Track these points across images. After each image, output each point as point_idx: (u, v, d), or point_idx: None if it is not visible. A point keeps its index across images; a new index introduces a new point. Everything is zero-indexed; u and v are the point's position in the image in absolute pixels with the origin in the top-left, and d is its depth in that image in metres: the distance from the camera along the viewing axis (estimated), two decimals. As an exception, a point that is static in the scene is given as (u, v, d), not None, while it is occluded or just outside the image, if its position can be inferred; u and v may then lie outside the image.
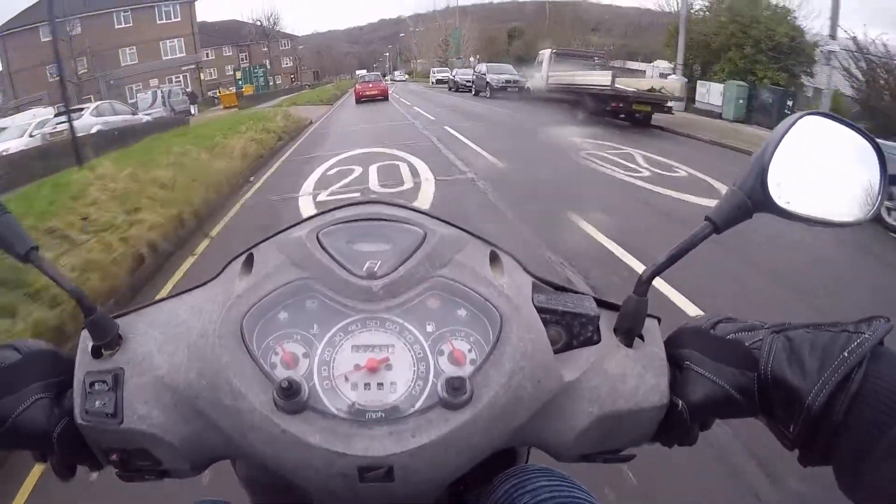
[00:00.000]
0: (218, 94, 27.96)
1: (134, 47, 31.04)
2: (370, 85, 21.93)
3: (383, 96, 20.62)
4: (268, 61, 44.36)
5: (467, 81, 20.27)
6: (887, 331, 0.33)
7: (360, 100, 20.58)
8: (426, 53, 54.80)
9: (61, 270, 0.33)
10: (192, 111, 21.24)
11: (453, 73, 23.16)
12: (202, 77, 35.18)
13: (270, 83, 45.61)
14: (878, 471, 0.31)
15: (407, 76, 46.90)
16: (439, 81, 29.95)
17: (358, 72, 56.09)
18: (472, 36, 47.20)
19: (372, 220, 0.42)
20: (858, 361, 0.32)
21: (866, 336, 0.33)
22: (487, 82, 17.32)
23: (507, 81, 16.94)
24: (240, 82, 36.01)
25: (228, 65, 41.42)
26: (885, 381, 0.32)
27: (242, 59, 45.64)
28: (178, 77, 31.74)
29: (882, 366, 0.32)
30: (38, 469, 1.82)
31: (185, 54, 32.85)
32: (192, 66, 33.38)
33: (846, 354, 0.33)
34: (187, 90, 24.51)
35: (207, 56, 38.15)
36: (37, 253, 0.37)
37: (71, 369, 0.39)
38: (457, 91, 21.39)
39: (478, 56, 36.87)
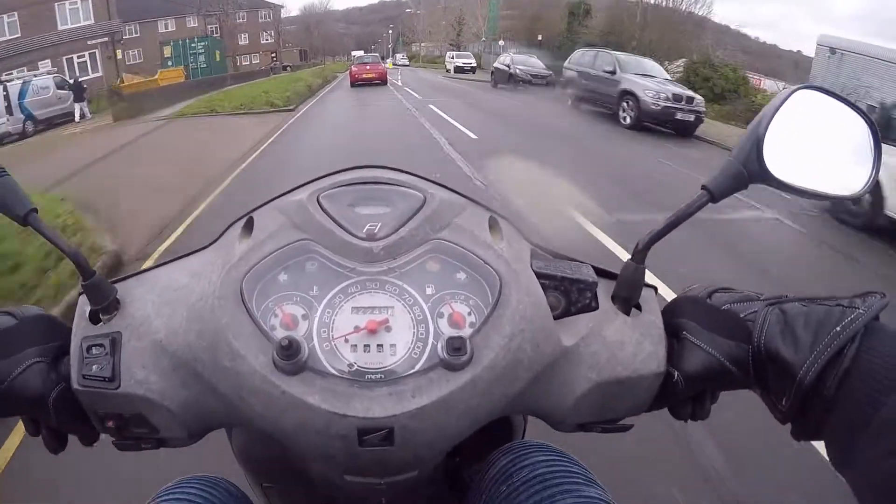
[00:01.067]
0: (115, 84, 17.17)
1: (15, 14, 20.09)
2: (367, 67, 20.68)
3: (381, 80, 19.68)
4: (219, 32, 36.22)
5: (530, 74, 15.30)
6: (882, 306, 0.34)
7: (356, 83, 19.70)
8: (432, 35, 52.59)
9: (59, 234, 0.39)
10: (79, 114, 13.58)
11: (506, 59, 17.03)
12: (121, 56, 24.28)
13: (243, 62, 40.96)
14: (870, 447, 0.31)
15: (409, 60, 45.10)
16: (459, 70, 25.61)
17: (354, 52, 54.00)
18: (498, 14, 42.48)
19: (372, 184, 0.44)
20: (851, 336, 0.33)
21: (860, 311, 0.34)
22: (512, 74, 15.38)
23: (535, 75, 15.33)
24: (168, 62, 25.77)
25: (183, 38, 30.85)
26: (878, 356, 0.33)
27: (212, 33, 36.92)
28: (84, 56, 22.03)
29: (876, 341, 0.33)
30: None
31: (92, 21, 21.92)
32: (102, 41, 22.26)
33: (839, 329, 0.34)
34: (71, 80, 14.84)
35: (129, 29, 27.04)
36: (35, 215, 0.38)
37: (67, 335, 0.39)
38: (506, 86, 15.58)
39: (501, 41, 33.83)
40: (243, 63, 44.08)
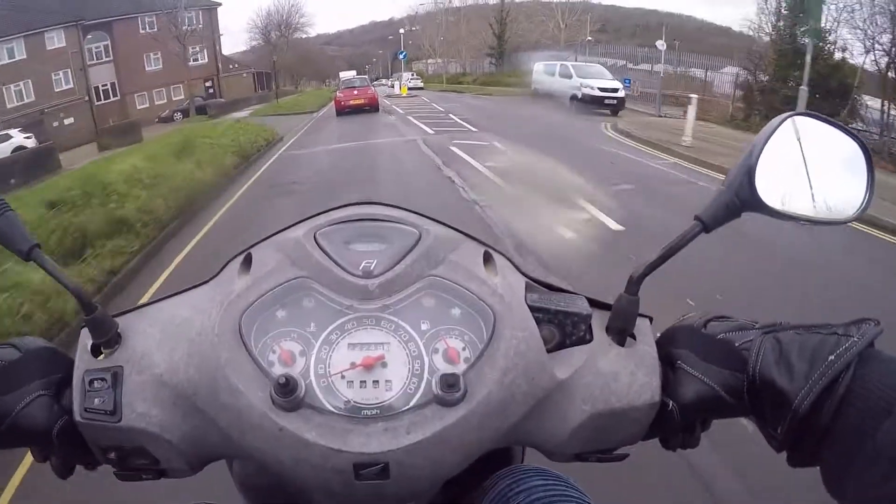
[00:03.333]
0: None
1: None
2: (355, 92, 19.12)
3: (371, 106, 18.37)
4: (111, 53, 25.37)
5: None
6: (876, 334, 0.37)
7: (343, 111, 18.22)
8: (448, 50, 47.69)
9: (61, 269, 0.44)
10: None
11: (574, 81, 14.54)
12: None
13: (150, 104, 28.33)
14: (865, 474, 0.33)
15: (421, 81, 38.42)
16: (600, 99, 14.88)
17: (342, 74, 49.49)
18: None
19: (368, 221, 0.48)
20: (846, 365, 0.35)
21: (854, 339, 0.37)
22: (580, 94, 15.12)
23: (603, 90, 14.95)
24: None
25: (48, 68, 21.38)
26: (872, 384, 0.35)
27: (98, 57, 26.01)
28: None
29: (870, 369, 0.36)
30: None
31: None
32: None
33: (833, 358, 0.36)
34: None
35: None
36: (38, 251, 0.42)
37: (70, 367, 0.44)
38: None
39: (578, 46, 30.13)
40: (140, 107, 30.19)
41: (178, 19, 29.02)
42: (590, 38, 32.14)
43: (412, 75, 39.52)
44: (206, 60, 34.11)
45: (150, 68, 31.42)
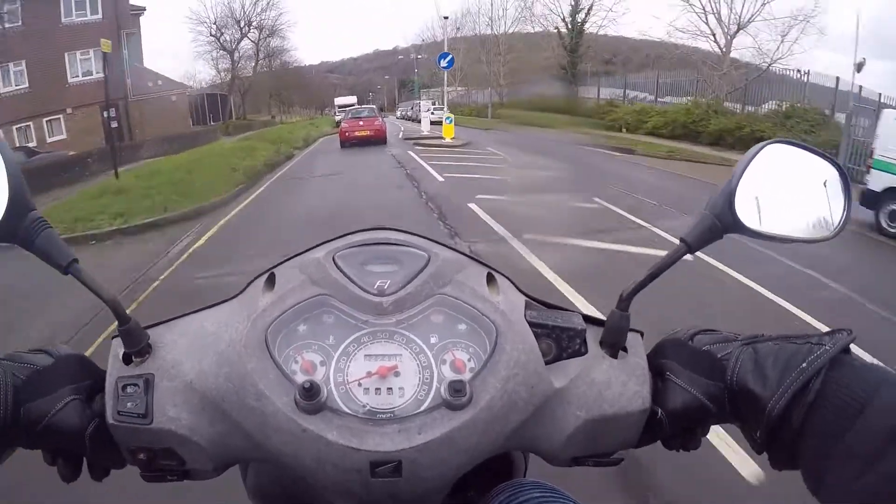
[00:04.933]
0: None
1: None
2: (360, 123, 18.23)
3: (378, 138, 17.68)
4: None
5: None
6: (848, 342, 0.42)
7: (347, 143, 17.62)
8: (472, 78, 41.83)
9: (99, 281, 0.49)
10: None
11: None
12: None
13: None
14: (841, 471, 0.37)
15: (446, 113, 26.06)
16: None
17: (338, 100, 45.65)
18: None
19: (382, 245, 0.55)
20: (816, 371, 0.41)
21: (826, 348, 0.42)
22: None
23: None
24: None
25: None
26: (843, 386, 0.40)
27: None
28: None
29: (840, 374, 0.40)
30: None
31: None
32: None
33: (805, 365, 0.41)
34: None
35: None
36: (77, 265, 0.48)
37: (98, 374, 0.51)
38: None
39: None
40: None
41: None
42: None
43: (434, 105, 30.82)
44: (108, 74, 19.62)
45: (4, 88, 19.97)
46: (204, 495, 0.62)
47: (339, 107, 42.75)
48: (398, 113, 48.24)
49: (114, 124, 19.88)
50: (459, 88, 44.13)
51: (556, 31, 29.73)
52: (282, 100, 48.19)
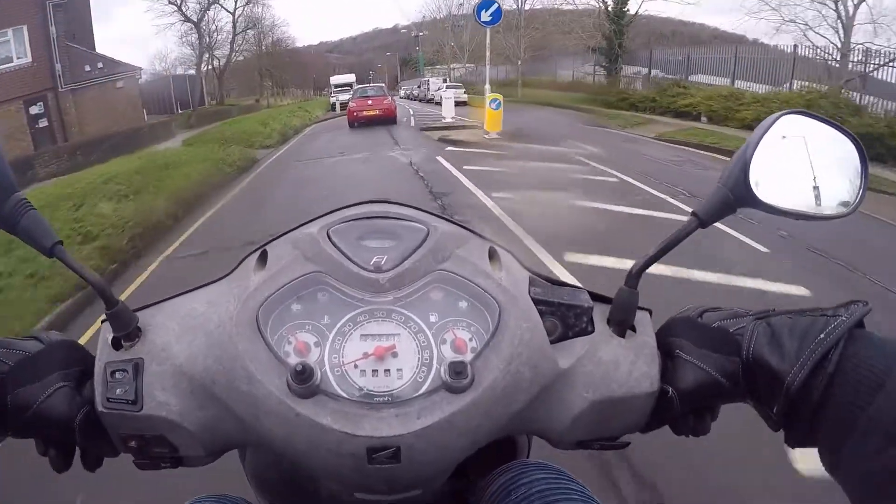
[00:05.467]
0: None
1: None
2: (369, 102, 17.43)
3: (388, 117, 16.83)
4: None
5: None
6: (864, 314, 0.42)
7: (356, 122, 16.86)
8: (478, 54, 37.27)
9: (84, 266, 0.48)
10: None
11: None
12: None
13: None
14: (858, 448, 0.37)
15: (463, 91, 26.87)
16: None
17: (333, 79, 42.08)
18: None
19: (379, 219, 0.54)
20: (835, 342, 0.40)
21: (843, 319, 0.42)
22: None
23: None
24: None
25: None
26: (861, 360, 0.39)
27: None
28: None
29: (858, 346, 0.40)
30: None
31: None
32: None
33: (823, 336, 0.41)
34: None
35: None
36: (61, 247, 0.47)
37: (89, 360, 0.50)
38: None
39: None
40: None
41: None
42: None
43: (444, 81, 29.69)
44: (30, 59, 16.40)
45: None
46: (204, 478, 0.60)
47: (336, 86, 38.38)
48: (402, 92, 43.93)
49: (42, 123, 16.75)
50: (468, 65, 40.17)
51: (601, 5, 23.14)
52: (275, 81, 42.49)
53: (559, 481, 0.58)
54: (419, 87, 37.41)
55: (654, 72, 18.94)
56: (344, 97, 30.13)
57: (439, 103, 21.03)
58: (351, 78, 43.23)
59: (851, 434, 0.37)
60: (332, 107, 31.84)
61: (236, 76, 38.44)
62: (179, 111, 27.72)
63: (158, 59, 32.61)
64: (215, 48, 33.86)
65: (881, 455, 0.35)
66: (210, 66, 33.38)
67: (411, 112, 22.88)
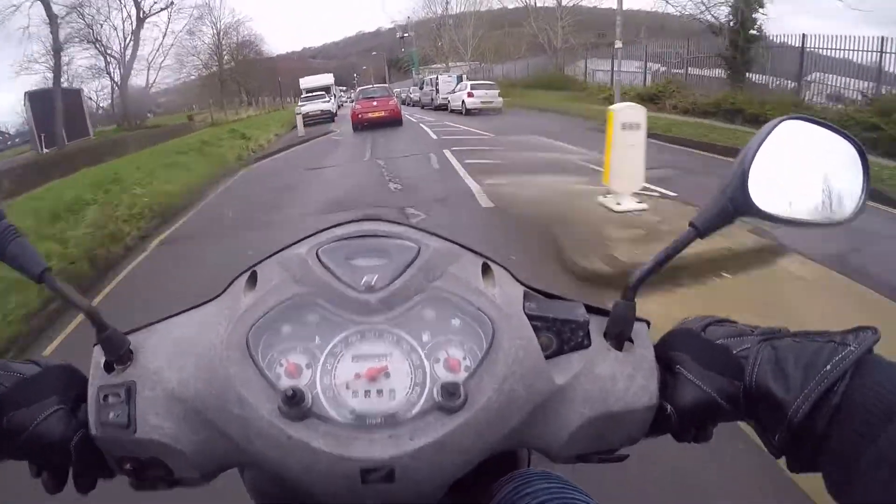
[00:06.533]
0: None
1: None
2: (374, 103, 16.73)
3: (394, 118, 16.10)
4: None
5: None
6: (873, 342, 0.41)
7: (360, 125, 16.12)
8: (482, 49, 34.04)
9: (74, 290, 0.49)
10: None
11: None
12: None
13: None
14: (869, 479, 0.36)
15: (497, 90, 19.82)
16: None
17: (303, 81, 35.12)
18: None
19: (368, 237, 0.54)
20: (841, 374, 0.40)
21: (851, 349, 0.40)
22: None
23: None
24: None
25: None
26: (870, 391, 0.38)
27: None
28: None
29: (867, 376, 0.39)
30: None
31: None
32: None
33: (829, 367, 0.40)
34: None
35: None
36: (49, 273, 0.48)
37: (85, 383, 0.50)
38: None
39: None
40: None
41: None
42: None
43: (462, 79, 21.95)
44: None
45: None
46: (206, 495, 0.60)
47: (308, 91, 30.84)
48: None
49: None
50: (473, 63, 35.15)
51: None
52: (242, 88, 36.94)
53: (563, 492, 0.58)
54: (420, 88, 28.57)
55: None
56: (317, 106, 23.27)
57: (457, 111, 17.04)
58: (327, 79, 35.97)
59: (859, 465, 0.36)
60: (308, 118, 20.27)
61: (191, 87, 32.88)
62: (66, 141, 21.57)
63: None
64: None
65: (889, 488, 0.34)
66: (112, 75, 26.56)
67: (432, 134, 14.02)
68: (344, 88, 61.16)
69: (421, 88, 28.17)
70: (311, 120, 20.65)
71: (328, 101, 25.09)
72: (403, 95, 33.26)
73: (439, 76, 25.17)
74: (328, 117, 23.33)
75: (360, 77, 69.43)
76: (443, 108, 22.64)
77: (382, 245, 0.52)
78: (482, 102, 18.32)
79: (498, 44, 34.26)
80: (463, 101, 18.79)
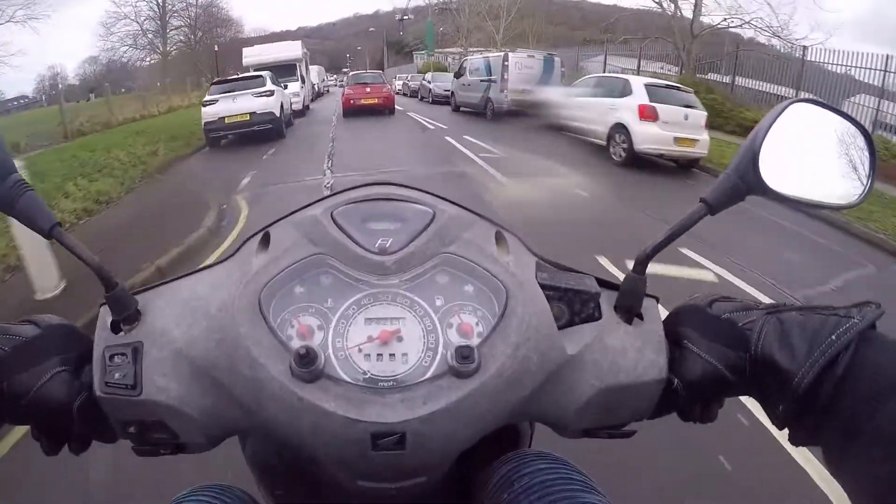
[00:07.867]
0: None
1: None
2: (367, 90, 16.27)
3: (387, 106, 16.06)
4: None
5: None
6: (877, 316, 0.41)
7: (351, 110, 16.00)
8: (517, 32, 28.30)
9: (83, 246, 0.48)
10: None
11: None
12: None
13: None
14: (865, 453, 0.37)
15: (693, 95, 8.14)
16: None
17: (246, 52, 19.86)
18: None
19: (384, 200, 0.54)
20: (845, 345, 0.40)
21: (855, 321, 0.41)
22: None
23: None
24: None
25: None
26: (872, 365, 0.39)
27: None
28: None
29: (870, 350, 0.40)
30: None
31: None
32: None
33: (834, 338, 0.41)
34: None
35: None
36: (59, 228, 0.47)
37: (87, 344, 0.50)
38: None
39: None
40: None
41: None
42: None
43: (532, 56, 13.37)
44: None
45: None
46: (204, 464, 0.61)
47: (251, 67, 18.05)
48: (396, 84, 27.22)
49: None
50: (472, 50, 29.08)
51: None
52: (210, 69, 29.61)
53: (561, 471, 0.58)
54: (459, 75, 15.79)
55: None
56: (249, 104, 10.39)
57: (606, 149, 6.66)
58: (292, 51, 20.21)
59: (858, 439, 0.37)
60: (207, 132, 10.84)
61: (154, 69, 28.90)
62: None
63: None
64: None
65: (887, 463, 0.35)
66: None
67: (451, 138, 9.45)
68: (334, 78, 51.96)
69: (459, 76, 15.73)
70: (233, 131, 10.80)
71: (295, 87, 16.24)
72: (414, 85, 24.91)
73: (471, 58, 15.91)
74: (276, 122, 11.10)
75: (354, 59, 66.16)
76: (515, 114, 12.22)
77: (398, 209, 0.52)
78: (677, 143, 7.38)
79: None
80: (629, 131, 7.44)
